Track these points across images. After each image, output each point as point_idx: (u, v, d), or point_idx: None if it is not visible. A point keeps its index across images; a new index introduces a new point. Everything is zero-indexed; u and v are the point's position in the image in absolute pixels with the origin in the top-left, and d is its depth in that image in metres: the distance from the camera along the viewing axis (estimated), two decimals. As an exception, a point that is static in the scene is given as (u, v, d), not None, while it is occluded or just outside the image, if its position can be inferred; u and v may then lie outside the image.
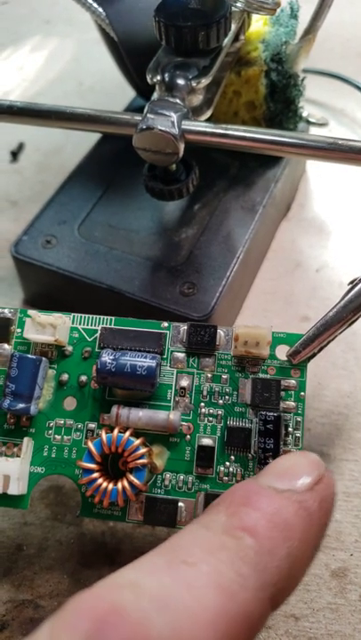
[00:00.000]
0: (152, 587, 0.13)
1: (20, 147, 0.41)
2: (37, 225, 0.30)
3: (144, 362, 0.20)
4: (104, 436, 0.19)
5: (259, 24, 0.30)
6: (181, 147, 0.24)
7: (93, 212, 0.30)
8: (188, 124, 0.24)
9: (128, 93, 0.37)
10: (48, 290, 0.30)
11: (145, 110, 0.24)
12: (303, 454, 0.18)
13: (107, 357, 0.20)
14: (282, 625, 0.22)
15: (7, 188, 0.39)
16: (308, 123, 0.36)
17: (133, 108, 0.36)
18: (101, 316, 0.21)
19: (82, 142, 0.36)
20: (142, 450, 0.19)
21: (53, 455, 0.20)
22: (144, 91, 0.34)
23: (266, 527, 0.14)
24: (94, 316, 0.21)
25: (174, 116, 0.24)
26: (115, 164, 0.32)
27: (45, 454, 0.20)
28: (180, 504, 0.20)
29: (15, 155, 0.41)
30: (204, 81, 0.25)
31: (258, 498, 0.15)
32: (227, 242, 0.28)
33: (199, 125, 0.24)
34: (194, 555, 0.14)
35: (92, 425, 0.21)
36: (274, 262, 0.33)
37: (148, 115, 0.24)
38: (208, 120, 0.27)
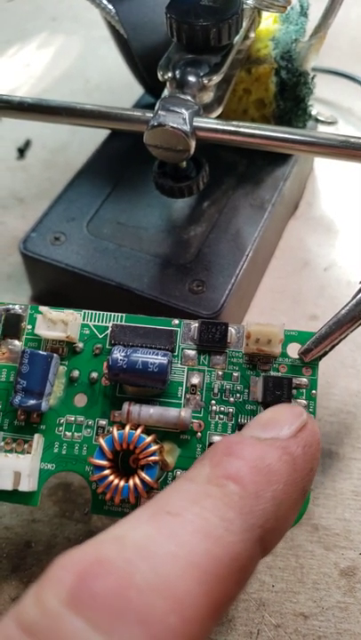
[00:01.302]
0: (136, 537, 0.13)
1: (27, 144, 0.41)
2: (46, 222, 0.30)
3: (156, 359, 0.20)
4: (115, 432, 0.19)
5: (268, 22, 0.30)
6: (193, 144, 0.24)
7: (102, 208, 0.30)
8: (200, 121, 0.24)
9: (135, 91, 0.37)
10: (56, 287, 0.30)
11: (156, 107, 0.24)
12: (285, 405, 0.18)
13: (118, 354, 0.20)
14: (291, 623, 0.22)
15: (14, 184, 0.39)
16: (317, 121, 0.36)
17: (142, 106, 0.36)
18: (112, 313, 0.21)
19: (88, 140, 0.36)
20: (154, 447, 0.19)
21: (64, 452, 0.20)
22: (153, 88, 0.34)
23: (249, 472, 0.14)
24: (105, 313, 0.21)
25: (186, 113, 0.24)
26: (123, 161, 0.32)
27: (56, 451, 0.20)
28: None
29: (22, 151, 0.41)
30: (216, 78, 0.25)
31: (241, 447, 0.15)
32: (236, 240, 0.28)
33: (211, 122, 0.24)
34: (178, 506, 0.14)
35: (103, 422, 0.20)
36: (282, 261, 0.33)
37: (160, 111, 0.24)
38: (218, 118, 0.27)
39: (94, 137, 0.34)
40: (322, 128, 0.37)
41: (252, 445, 0.15)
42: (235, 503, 0.14)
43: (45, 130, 0.41)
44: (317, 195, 0.37)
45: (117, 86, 0.45)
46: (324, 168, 0.38)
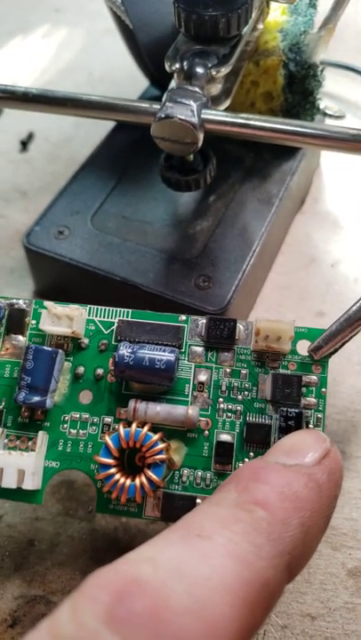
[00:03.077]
0: (169, 559, 0.13)
1: (30, 136, 0.41)
2: (50, 215, 0.29)
3: (163, 355, 0.19)
4: (122, 430, 0.19)
5: (277, 13, 0.30)
6: (201, 136, 0.23)
7: (107, 202, 0.30)
8: (208, 114, 0.23)
9: (139, 83, 0.36)
10: (60, 281, 0.30)
11: (164, 98, 0.24)
12: (308, 431, 0.18)
13: (125, 350, 0.19)
14: (298, 624, 0.22)
15: (17, 178, 0.38)
16: (325, 115, 0.36)
17: (147, 98, 0.35)
18: (118, 309, 0.21)
19: (92, 133, 0.35)
20: (161, 445, 0.19)
21: (68, 450, 0.20)
22: (158, 80, 0.33)
23: (277, 499, 0.15)
24: (111, 309, 0.21)
25: (194, 105, 0.23)
26: (128, 154, 0.32)
27: (60, 448, 0.20)
28: (198, 501, 0.19)
29: (25, 144, 0.40)
30: (224, 70, 0.25)
31: (267, 472, 0.16)
32: (243, 234, 0.28)
33: (219, 115, 0.24)
34: (208, 528, 0.14)
35: (109, 419, 0.20)
36: (288, 256, 0.33)
37: (168, 103, 0.23)
38: (225, 110, 0.26)
39: (98, 130, 0.34)
40: (329, 122, 0.37)
41: (277, 471, 0.16)
42: (264, 529, 0.14)
43: (49, 123, 0.40)
44: (324, 190, 0.36)
45: (121, 78, 0.44)
46: (331, 163, 0.37)
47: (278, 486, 0.15)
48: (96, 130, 0.34)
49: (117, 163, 0.31)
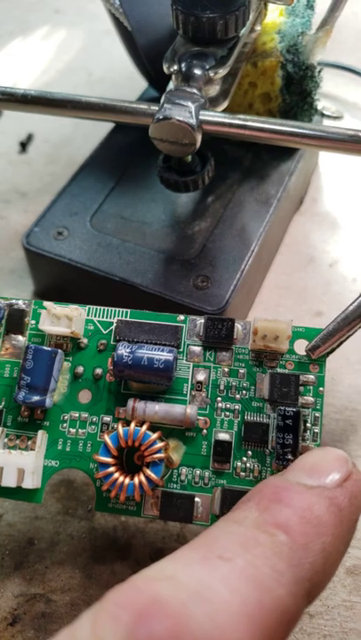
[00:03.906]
0: (189, 580, 0.13)
1: (29, 138, 0.41)
2: (49, 216, 0.29)
3: (161, 355, 0.19)
4: (121, 429, 0.19)
5: (274, 15, 0.30)
6: (199, 137, 0.23)
7: (105, 203, 0.30)
8: (206, 115, 0.24)
9: (137, 84, 0.36)
10: (59, 282, 0.30)
11: (162, 100, 0.24)
12: (329, 450, 0.18)
13: (123, 350, 0.20)
14: (296, 622, 0.22)
15: (16, 179, 0.38)
16: (323, 115, 0.36)
17: (145, 99, 0.35)
18: (117, 309, 0.21)
19: (91, 134, 0.35)
20: (159, 444, 0.19)
21: (68, 449, 0.20)
22: (157, 81, 0.33)
23: (299, 523, 0.14)
24: (110, 309, 0.21)
25: (192, 107, 0.23)
26: (127, 156, 0.32)
27: (60, 448, 0.20)
28: (197, 499, 0.19)
29: (24, 146, 0.40)
30: (222, 71, 0.25)
31: (289, 494, 0.15)
32: (241, 235, 0.28)
33: (217, 116, 0.24)
34: (228, 550, 0.14)
35: (108, 418, 0.20)
36: (287, 257, 0.33)
37: (166, 104, 0.23)
38: (223, 112, 0.26)
39: (97, 132, 0.34)
40: (327, 122, 0.37)
41: (300, 493, 0.15)
42: (285, 554, 0.14)
43: (48, 124, 0.40)
44: (322, 190, 0.37)
45: (120, 79, 0.45)
46: (329, 163, 0.38)
47: (300, 509, 0.15)
48: (95, 131, 0.34)
49: (116, 164, 0.31)
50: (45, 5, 0.53)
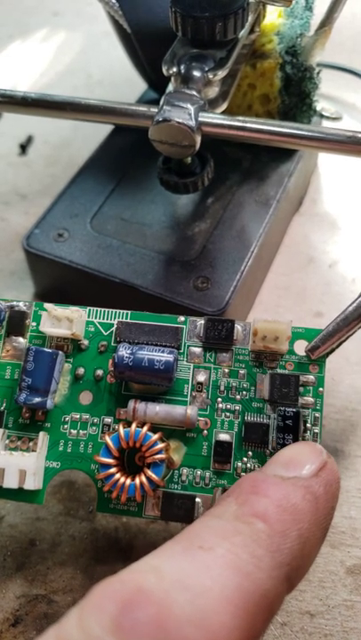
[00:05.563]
0: (172, 570, 0.13)
1: (29, 140, 0.41)
2: (49, 218, 0.29)
3: (162, 356, 0.20)
4: (122, 430, 0.19)
5: (273, 16, 0.30)
6: (198, 139, 0.24)
7: (106, 205, 0.30)
8: (206, 117, 0.24)
9: (137, 86, 0.37)
10: (60, 284, 0.30)
11: (161, 102, 0.24)
12: (305, 444, 0.18)
13: (124, 351, 0.20)
14: (297, 622, 0.22)
15: (16, 181, 0.38)
16: (322, 117, 0.36)
17: (145, 101, 0.35)
18: (117, 310, 0.21)
19: (91, 136, 0.35)
20: (160, 445, 0.19)
21: (69, 450, 0.20)
22: (156, 83, 0.33)
23: (276, 511, 0.15)
24: (110, 310, 0.21)
25: (191, 108, 0.23)
26: (127, 158, 0.32)
27: (61, 449, 0.20)
28: (198, 500, 0.20)
29: (24, 148, 0.41)
30: (221, 73, 0.25)
31: (266, 485, 0.16)
32: (241, 236, 0.28)
33: (216, 118, 0.24)
34: (209, 541, 0.14)
35: (108, 419, 0.20)
36: (286, 257, 0.33)
37: (165, 107, 0.23)
38: (222, 113, 0.26)
39: (97, 133, 0.34)
40: (326, 124, 0.37)
41: (276, 484, 0.16)
42: (263, 541, 0.14)
43: (47, 126, 0.40)
44: (321, 191, 0.37)
45: (120, 81, 0.45)
46: (328, 164, 0.38)
47: (277, 499, 0.15)
48: (94, 133, 0.34)
49: (116, 166, 0.32)
50: (44, 8, 0.53)
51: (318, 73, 0.30)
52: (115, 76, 0.45)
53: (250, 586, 0.13)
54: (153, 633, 0.12)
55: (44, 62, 0.48)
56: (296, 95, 0.30)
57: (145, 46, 0.30)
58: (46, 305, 0.21)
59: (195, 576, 0.13)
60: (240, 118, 0.24)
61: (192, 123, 0.23)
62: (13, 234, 0.35)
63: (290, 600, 0.22)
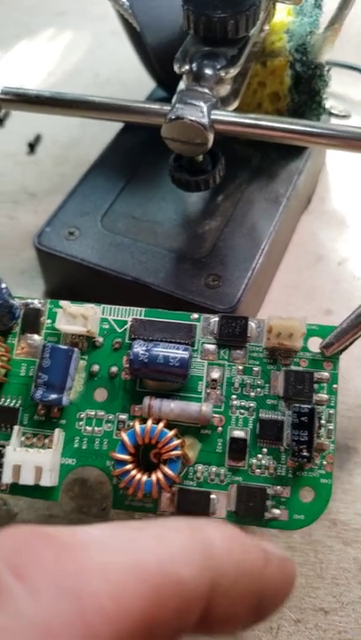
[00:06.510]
0: (92, 531, 0.13)
1: (38, 138, 0.41)
2: (60, 216, 0.29)
3: (176, 353, 0.20)
4: (138, 427, 0.19)
5: (283, 14, 0.30)
6: (211, 137, 0.24)
7: (116, 203, 0.30)
8: (218, 114, 0.24)
9: (145, 85, 0.36)
10: (71, 282, 0.30)
11: (174, 100, 0.24)
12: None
13: (139, 348, 0.20)
14: (311, 619, 0.22)
15: (25, 179, 0.38)
16: (331, 114, 0.36)
17: (154, 99, 0.35)
18: (131, 308, 0.21)
19: (99, 134, 0.35)
20: (176, 441, 0.19)
21: (84, 447, 0.20)
22: (165, 81, 0.33)
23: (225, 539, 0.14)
24: (124, 308, 0.21)
25: (204, 106, 0.23)
26: (137, 155, 0.32)
27: (76, 446, 0.20)
28: (213, 496, 0.20)
29: (32, 146, 0.41)
30: (233, 71, 0.25)
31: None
32: (251, 234, 0.28)
33: (229, 115, 0.24)
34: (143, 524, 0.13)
35: (123, 416, 0.20)
36: (295, 255, 0.33)
37: (178, 104, 0.24)
38: (234, 111, 0.26)
39: (105, 132, 0.34)
40: (335, 121, 0.37)
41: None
42: (203, 548, 0.13)
43: (55, 125, 0.40)
44: (330, 189, 0.37)
45: (128, 80, 0.45)
46: (336, 162, 0.38)
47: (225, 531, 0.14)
48: (102, 131, 0.34)
49: (126, 164, 0.32)
50: (46, 8, 0.53)
51: (328, 71, 0.30)
52: (122, 75, 0.46)
53: (169, 566, 0.12)
54: (52, 568, 0.11)
55: (50, 62, 0.48)
56: (306, 93, 0.30)
57: (154, 44, 0.30)
58: (61, 302, 0.21)
59: (115, 539, 0.12)
60: (252, 116, 0.24)
61: (205, 120, 0.23)
62: (24, 232, 0.35)
63: (304, 597, 0.22)
